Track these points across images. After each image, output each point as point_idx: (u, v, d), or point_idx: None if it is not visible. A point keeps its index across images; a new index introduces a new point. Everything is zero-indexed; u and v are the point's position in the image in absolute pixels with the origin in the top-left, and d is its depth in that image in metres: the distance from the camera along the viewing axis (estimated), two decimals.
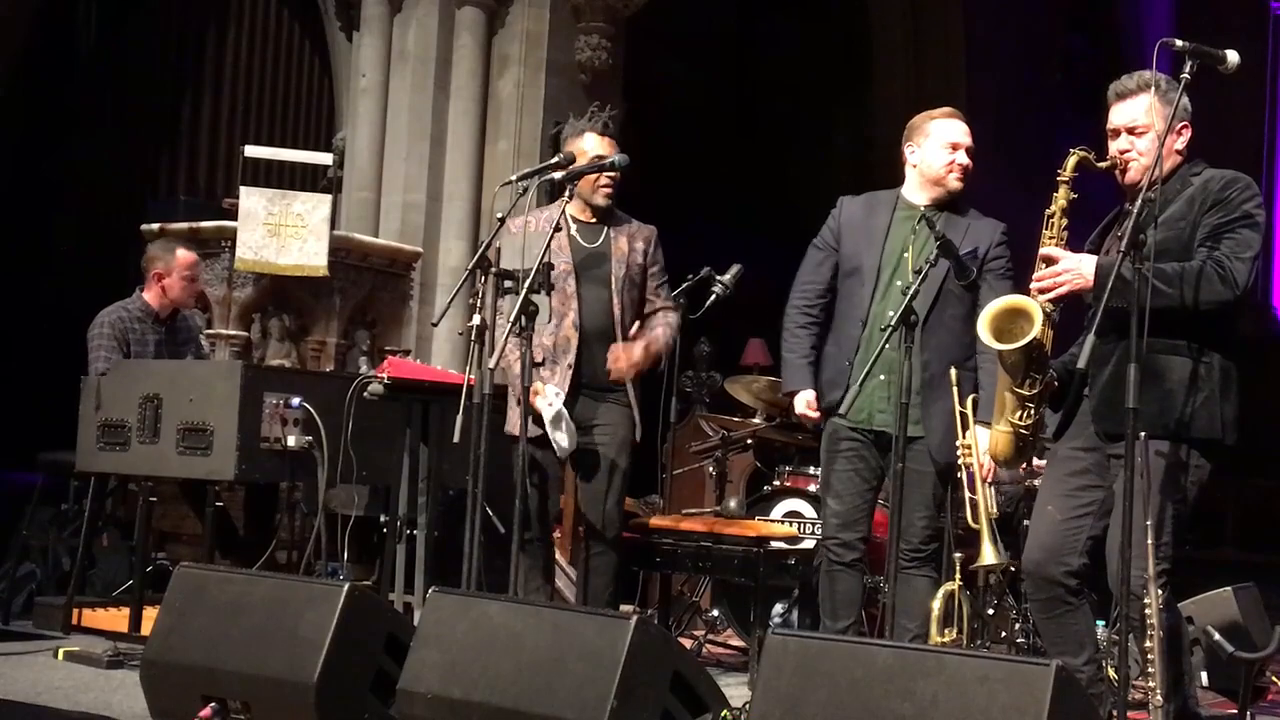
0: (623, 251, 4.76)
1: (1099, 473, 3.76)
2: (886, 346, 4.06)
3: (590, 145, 4.73)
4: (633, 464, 4.79)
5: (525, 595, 4.44)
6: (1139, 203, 3.46)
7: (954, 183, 4.38)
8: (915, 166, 4.43)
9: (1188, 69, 3.57)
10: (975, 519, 4.24)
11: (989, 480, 4.31)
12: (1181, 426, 3.61)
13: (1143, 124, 3.70)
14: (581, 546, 4.95)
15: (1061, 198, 3.73)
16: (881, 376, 4.23)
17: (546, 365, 4.64)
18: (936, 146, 4.37)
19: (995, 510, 4.44)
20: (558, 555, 6.02)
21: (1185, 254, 3.64)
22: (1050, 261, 3.69)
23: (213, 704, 3.68)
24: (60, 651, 4.98)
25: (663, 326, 4.84)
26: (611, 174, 4.68)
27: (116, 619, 5.52)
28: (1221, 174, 3.73)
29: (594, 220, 4.78)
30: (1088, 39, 15.50)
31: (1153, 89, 3.68)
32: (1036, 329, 3.59)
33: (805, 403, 4.46)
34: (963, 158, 4.38)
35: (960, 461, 4.20)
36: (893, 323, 3.96)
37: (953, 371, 4.22)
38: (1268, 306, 15.37)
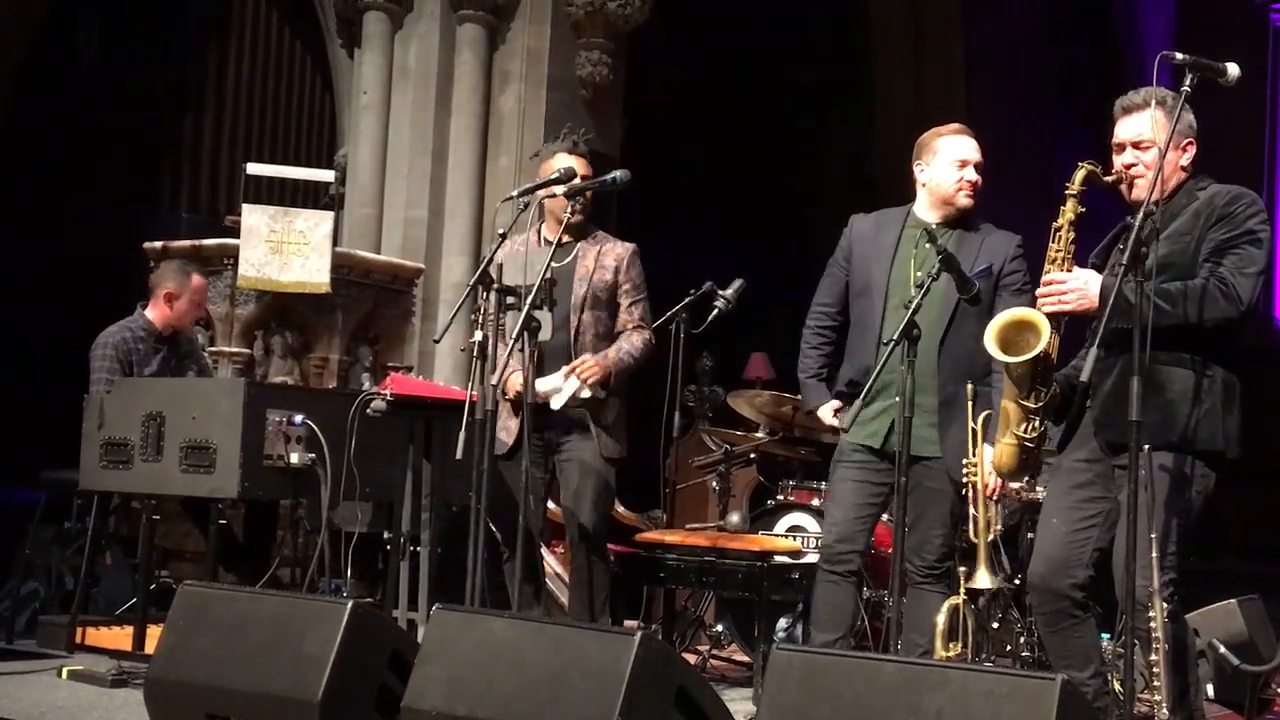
0: (587, 269, 4.75)
1: (1104, 484, 3.75)
2: (897, 365, 4.01)
3: (560, 164, 4.71)
4: (612, 474, 4.79)
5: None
6: (1139, 218, 3.46)
7: (964, 200, 4.36)
8: (925, 185, 4.40)
9: (1188, 82, 3.56)
10: (976, 536, 4.23)
11: (994, 497, 4.29)
12: (1184, 439, 3.61)
13: (1148, 139, 3.70)
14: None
15: (1069, 210, 3.71)
16: (896, 398, 4.11)
17: None
18: (945, 164, 4.35)
19: (1001, 527, 4.42)
20: (559, 569, 6.01)
21: (1190, 268, 3.64)
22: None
23: None
24: (64, 670, 4.97)
25: (622, 344, 4.77)
26: (581, 196, 4.64)
27: (120, 637, 5.52)
28: (1227, 189, 3.73)
29: (567, 239, 4.75)
30: (1087, 50, 15.52)
31: (1158, 104, 3.68)
32: (1044, 342, 3.58)
33: (831, 411, 4.45)
34: (971, 174, 4.35)
35: (965, 479, 4.19)
36: (895, 337, 3.90)
37: (969, 387, 4.20)
38: (1269, 318, 15.36)
